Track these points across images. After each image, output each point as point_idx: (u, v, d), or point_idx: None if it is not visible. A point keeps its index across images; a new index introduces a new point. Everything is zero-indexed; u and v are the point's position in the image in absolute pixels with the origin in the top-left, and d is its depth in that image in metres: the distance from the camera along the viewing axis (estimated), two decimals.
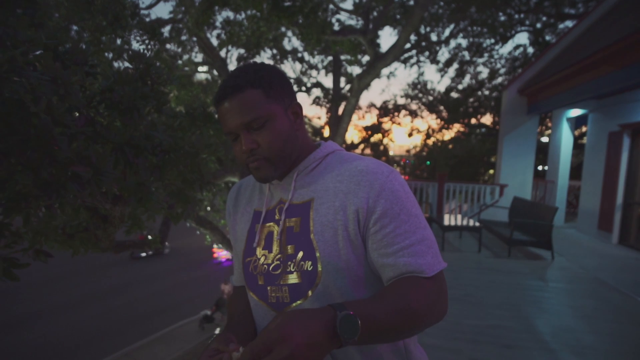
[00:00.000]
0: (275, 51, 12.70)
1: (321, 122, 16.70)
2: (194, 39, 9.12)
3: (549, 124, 9.59)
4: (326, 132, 15.46)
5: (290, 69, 15.17)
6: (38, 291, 11.90)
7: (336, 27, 10.73)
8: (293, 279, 0.68)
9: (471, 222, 5.78)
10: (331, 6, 10.21)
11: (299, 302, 0.68)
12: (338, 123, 9.82)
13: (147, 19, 7.64)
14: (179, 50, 10.36)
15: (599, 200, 6.53)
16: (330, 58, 13.42)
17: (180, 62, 9.85)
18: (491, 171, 16.30)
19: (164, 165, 2.42)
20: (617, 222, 6.11)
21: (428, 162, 17.78)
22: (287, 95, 0.71)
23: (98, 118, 2.30)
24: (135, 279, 13.71)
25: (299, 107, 0.73)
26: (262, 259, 0.73)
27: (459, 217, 6.28)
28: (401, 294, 0.59)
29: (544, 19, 13.08)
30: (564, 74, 5.72)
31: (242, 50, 11.72)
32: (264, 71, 0.69)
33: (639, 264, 4.91)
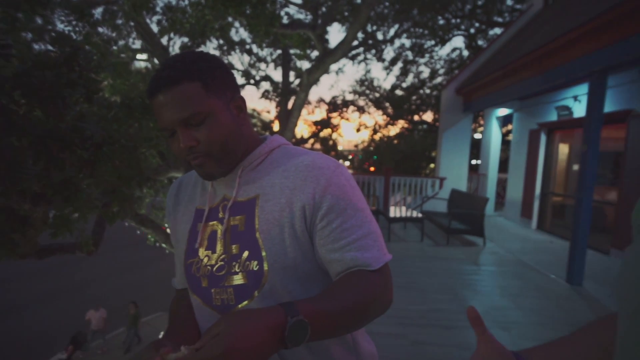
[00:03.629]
0: (221, 41, 12.26)
1: (271, 116, 16.50)
2: (132, 23, 8.48)
3: (482, 122, 10.44)
4: (276, 127, 15.31)
5: (238, 60, 14.78)
6: None
7: (285, 20, 10.62)
8: (238, 279, 0.65)
9: (414, 214, 6.12)
10: None
11: (244, 303, 0.65)
12: (288, 117, 9.78)
13: None
14: (114, 35, 9.56)
15: (522, 190, 7.28)
16: (279, 51, 13.27)
17: (115, 48, 9.10)
18: (432, 165, 17.35)
19: (97, 160, 2.23)
20: (535, 209, 6.86)
21: (375, 157, 18.43)
22: (229, 88, 0.67)
23: (12, 106, 2.05)
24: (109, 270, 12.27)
25: (243, 100, 0.69)
26: (205, 260, 0.69)
27: (404, 209, 6.62)
28: (349, 289, 0.59)
29: (477, 25, 14.16)
30: (493, 77, 6.26)
31: (185, 39, 11.14)
32: (203, 62, 0.64)
33: (552, 246, 5.57)
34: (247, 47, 13.33)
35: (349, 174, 0.69)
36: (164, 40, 9.88)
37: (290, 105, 11.28)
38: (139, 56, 10.61)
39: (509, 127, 8.68)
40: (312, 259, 0.67)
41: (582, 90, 5.39)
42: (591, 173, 3.77)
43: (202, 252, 0.70)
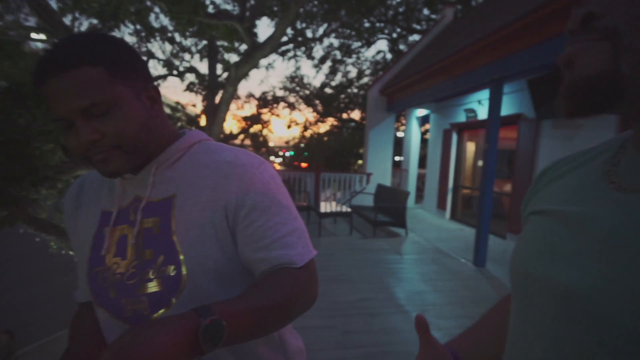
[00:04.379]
0: (139, 27, 11.27)
1: (197, 110, 15.67)
2: None
3: (403, 121, 11.24)
4: (203, 121, 14.60)
5: (159, 49, 13.71)
6: None
7: (211, 9, 10.15)
8: (153, 287, 0.60)
9: (344, 208, 6.37)
10: None
11: (161, 311, 0.60)
12: (215, 112, 9.40)
13: None
14: None
15: (437, 184, 8.03)
16: (205, 42, 12.64)
17: (0, 23, 7.80)
18: (360, 162, 18.18)
19: None
20: (449, 201, 7.63)
21: (306, 153, 18.67)
22: (139, 76, 0.60)
23: None
24: None
25: (156, 90, 0.63)
26: (114, 268, 0.63)
27: (334, 204, 6.85)
28: (271, 287, 0.58)
29: (399, 30, 15.16)
30: (411, 80, 6.78)
31: (95, 21, 9.99)
32: (107, 45, 0.56)
33: (463, 234, 6.26)
34: (169, 35, 12.46)
35: (273, 171, 0.68)
36: (68, 20, 8.75)
37: (217, 99, 10.84)
38: (34, 35, 9.21)
39: (427, 126, 9.47)
40: (234, 260, 0.64)
41: (485, 95, 6.12)
42: (491, 168, 4.32)
43: (109, 259, 0.64)
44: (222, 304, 0.51)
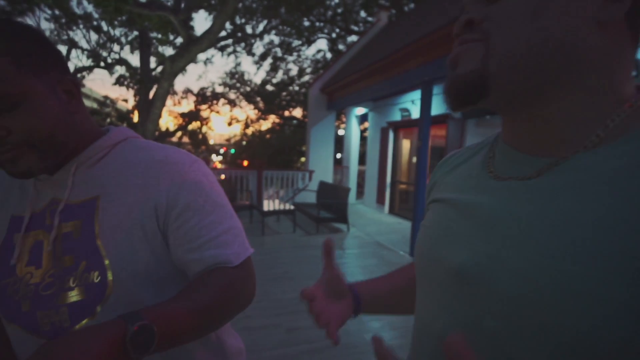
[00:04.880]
0: (58, 12, 10.12)
1: (128, 106, 14.52)
2: None
3: (344, 119, 11.55)
4: (135, 118, 13.59)
5: (83, 38, 12.46)
6: None
7: None
8: (74, 296, 0.56)
9: (287, 206, 6.39)
10: None
11: (84, 322, 0.56)
12: (149, 108, 8.82)
13: None
14: None
15: (377, 180, 8.41)
16: (136, 33, 11.74)
17: None
18: (302, 159, 18.30)
19: None
20: (387, 196, 8.03)
21: (233, 150, 18.32)
22: (53, 67, 0.56)
23: None
24: None
25: (75, 83, 0.59)
26: (27, 278, 0.57)
27: (277, 202, 6.83)
28: (206, 288, 0.57)
29: (337, 30, 15.51)
30: (350, 79, 6.99)
31: (2, 2, 8.76)
32: (13, 33, 0.52)
33: (401, 227, 6.64)
34: (95, 23, 11.38)
35: (206, 169, 0.66)
36: None
37: (152, 94, 10.16)
38: None
39: (366, 124, 9.83)
40: (166, 262, 0.61)
41: (418, 95, 6.53)
42: (424, 164, 4.64)
43: (21, 269, 0.58)
44: (152, 308, 0.50)
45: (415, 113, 6.81)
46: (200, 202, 0.61)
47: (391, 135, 7.86)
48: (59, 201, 0.60)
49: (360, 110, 9.21)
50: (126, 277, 0.57)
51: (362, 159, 10.39)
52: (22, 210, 0.61)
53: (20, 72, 0.51)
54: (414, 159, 7.40)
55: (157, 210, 0.59)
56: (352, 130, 9.47)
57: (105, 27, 11.60)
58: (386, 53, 5.53)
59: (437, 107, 5.96)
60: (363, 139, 11.08)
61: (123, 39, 12.36)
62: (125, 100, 14.72)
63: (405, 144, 7.82)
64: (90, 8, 10.64)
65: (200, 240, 0.60)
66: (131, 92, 13.37)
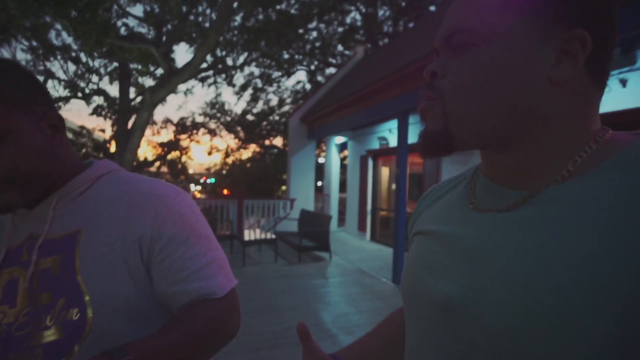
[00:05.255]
0: (35, 44, 10.06)
1: (105, 136, 14.29)
2: None
3: (324, 148, 11.75)
4: (113, 148, 13.35)
5: (61, 68, 12.36)
6: None
7: (123, 31, 9.59)
8: (50, 335, 0.54)
9: (268, 235, 6.31)
10: (116, 7, 9.07)
11: None
12: (127, 138, 8.71)
13: None
14: None
15: (357, 207, 8.48)
16: (116, 64, 11.76)
17: None
18: (283, 187, 18.27)
19: None
20: (368, 223, 8.08)
21: (213, 180, 18.17)
22: (38, 102, 0.57)
23: None
24: None
25: (59, 118, 0.60)
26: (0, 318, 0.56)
27: (258, 231, 6.75)
28: (191, 321, 0.57)
29: (316, 63, 16.08)
30: (329, 110, 7.21)
31: None
32: None
33: (382, 253, 6.65)
34: (73, 54, 11.35)
35: (191, 201, 0.66)
36: None
37: (130, 124, 10.08)
38: None
39: (346, 152, 10.02)
40: (150, 297, 0.61)
41: (395, 124, 6.78)
42: (403, 191, 4.75)
43: None
44: (137, 343, 0.50)
45: (393, 141, 7.03)
46: (184, 234, 0.61)
47: (370, 163, 8.03)
48: (37, 236, 0.58)
49: (339, 139, 9.41)
50: (107, 313, 0.56)
51: (342, 187, 10.50)
52: None
53: (4, 108, 0.52)
54: (393, 186, 7.55)
55: (141, 243, 0.59)
56: (332, 159, 9.62)
57: (84, 59, 11.59)
58: (363, 85, 5.77)
59: (414, 135, 6.19)
60: (343, 166, 11.24)
61: (102, 70, 12.35)
62: (103, 131, 14.50)
63: (385, 172, 7.99)
64: (69, 39, 10.66)
65: (184, 272, 0.59)
66: (109, 122, 13.17)
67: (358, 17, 14.91)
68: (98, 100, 12.45)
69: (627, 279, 0.30)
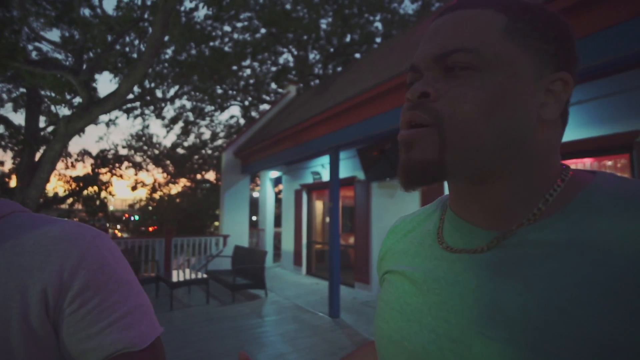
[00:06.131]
0: None
1: (4, 169, 12.47)
2: None
3: (258, 182, 11.67)
4: (13, 183, 11.66)
5: None
6: None
7: (35, 56, 8.77)
8: None
9: (199, 275, 5.95)
10: (27, 30, 8.33)
11: None
12: (33, 172, 7.73)
13: None
14: None
15: (293, 241, 8.46)
16: (23, 90, 10.58)
17: None
18: (216, 223, 17.50)
19: None
20: (304, 257, 8.08)
21: (136, 217, 16.85)
22: None
23: None
24: None
25: None
26: None
27: (187, 271, 6.31)
28: None
29: (250, 99, 16.30)
30: (263, 145, 7.30)
31: None
32: None
33: (319, 287, 6.65)
34: None
35: (111, 244, 0.60)
36: None
37: (38, 157, 8.99)
38: None
39: (281, 186, 10.08)
40: (55, 357, 0.53)
41: (327, 159, 7.08)
42: (336, 224, 4.90)
43: None
44: None
45: (326, 176, 7.29)
46: (102, 280, 0.54)
47: (305, 197, 8.17)
48: None
49: (274, 174, 9.46)
50: None
51: (278, 221, 10.44)
52: None
53: None
54: (327, 219, 7.74)
55: (47, 294, 0.51)
56: (267, 193, 9.58)
57: None
58: (296, 122, 6.00)
59: (345, 170, 6.52)
60: (278, 200, 11.24)
61: (5, 96, 11.00)
62: (1, 163, 12.67)
63: (319, 205, 8.18)
64: None
65: (100, 324, 0.53)
66: (9, 153, 11.58)
67: (290, 58, 15.68)
68: None
69: (607, 331, 0.29)
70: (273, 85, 15.95)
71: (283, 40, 13.69)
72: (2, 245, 0.53)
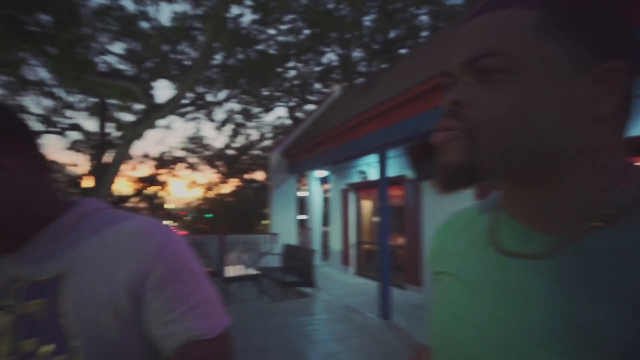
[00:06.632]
0: (11, 78, 9.91)
1: (79, 171, 13.88)
2: None
3: (305, 182, 11.82)
4: (86, 183, 12.92)
5: (33, 103, 12.13)
6: None
7: (103, 68, 9.62)
8: None
9: (251, 271, 6.16)
10: (96, 45, 9.16)
11: None
12: (104, 173, 8.50)
13: None
14: None
15: (341, 241, 8.46)
16: (95, 99, 11.67)
17: None
18: (264, 222, 18.04)
19: None
20: (352, 257, 8.05)
21: (210, 215, 17.79)
22: (22, 141, 0.57)
23: None
24: None
25: (42, 158, 0.59)
26: None
27: (240, 267, 6.58)
28: None
29: (295, 99, 16.55)
30: (309, 145, 7.36)
31: None
32: None
33: (367, 287, 6.59)
34: (48, 89, 11.20)
35: (181, 238, 0.65)
36: None
37: (107, 159, 9.86)
38: None
39: (327, 186, 10.12)
40: (139, 339, 0.58)
41: (374, 158, 6.97)
42: (385, 224, 4.82)
43: None
44: None
45: (373, 175, 7.19)
46: (175, 272, 0.59)
47: (352, 196, 8.13)
48: (21, 279, 0.57)
49: (321, 173, 9.53)
50: (94, 359, 0.54)
51: (325, 220, 10.50)
52: None
53: None
54: (375, 219, 7.63)
55: (131, 283, 0.56)
56: (314, 192, 9.67)
57: (60, 94, 11.45)
58: (341, 121, 5.98)
59: (394, 169, 6.38)
60: (325, 200, 11.33)
61: (80, 105, 12.21)
62: (75, 165, 14.09)
63: (366, 204, 8.10)
64: (44, 74, 10.55)
65: (176, 312, 0.57)
66: (82, 157, 12.85)
67: (334, 57, 15.66)
68: (74, 135, 12.22)
69: None
70: (317, 85, 16.08)
71: (326, 40, 13.72)
72: (92, 238, 0.59)
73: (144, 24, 9.47)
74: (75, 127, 12.07)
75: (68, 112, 11.93)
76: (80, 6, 7.41)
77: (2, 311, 0.55)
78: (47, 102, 11.32)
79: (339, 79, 12.95)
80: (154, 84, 11.31)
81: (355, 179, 7.88)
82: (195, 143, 16.87)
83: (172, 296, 0.57)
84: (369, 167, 7.31)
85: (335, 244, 8.74)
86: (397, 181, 6.38)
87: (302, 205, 11.43)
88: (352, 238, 8.07)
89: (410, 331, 4.21)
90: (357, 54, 15.23)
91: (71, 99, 11.88)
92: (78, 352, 0.53)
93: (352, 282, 7.20)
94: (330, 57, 15.60)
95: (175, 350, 0.57)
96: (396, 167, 6.48)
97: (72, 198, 0.67)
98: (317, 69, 15.36)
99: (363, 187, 7.89)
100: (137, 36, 9.30)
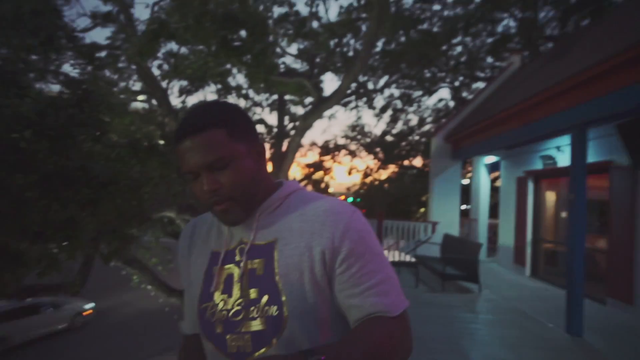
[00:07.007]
0: (219, 86, 12.75)
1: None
2: (133, 67, 8.81)
3: (470, 168, 10.75)
4: (269, 168, 15.53)
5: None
6: None
7: (282, 69, 11.18)
8: (257, 325, 0.64)
9: (408, 258, 6.08)
10: (278, 49, 10.68)
11: (262, 350, 0.64)
12: (282, 160, 9.95)
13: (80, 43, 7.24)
14: (116, 77, 9.87)
15: (513, 236, 7.34)
16: (274, 97, 13.76)
17: (115, 89, 9.37)
18: (422, 209, 17.49)
19: (99, 199, 2.22)
20: (528, 256, 6.88)
21: (351, 199, 18.59)
22: (250, 135, 0.70)
23: (22, 144, 2.07)
24: None
25: (262, 147, 0.72)
26: (221, 305, 0.68)
27: (397, 253, 6.58)
28: (369, 336, 0.60)
29: (461, 78, 15.08)
30: (478, 127, 6.56)
31: (184, 82, 11.54)
32: (228, 111, 0.68)
33: (547, 294, 5.53)
34: (243, 92, 13.86)
35: (365, 220, 0.71)
36: (164, 83, 10.22)
37: (284, 148, 11.51)
38: (138, 97, 10.85)
39: (497, 173, 8.93)
40: (331, 304, 0.66)
41: (564, 141, 5.67)
42: (581, 221, 3.87)
43: (217, 296, 0.69)
44: (323, 349, 0.54)
45: (562, 161, 5.88)
46: (361, 250, 0.65)
47: (531, 185, 6.91)
48: (246, 242, 0.70)
49: (490, 159, 8.47)
50: (298, 314, 0.63)
51: (493, 212, 9.36)
52: (219, 247, 0.73)
53: (231, 140, 0.65)
54: (563, 214, 6.26)
55: (325, 254, 0.65)
56: (481, 180, 8.71)
57: (251, 94, 13.97)
58: (525, 96, 5.06)
59: (593, 153, 5.05)
60: (494, 189, 10.06)
61: (264, 103, 14.64)
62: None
63: (550, 197, 6.75)
64: (241, 80, 13.03)
65: (361, 287, 0.64)
66: (266, 146, 15.48)
67: (512, 23, 13.42)
68: (259, 128, 14.81)
69: None
70: (489, 60, 14.20)
71: (503, 4, 11.81)
72: (294, 213, 0.70)
73: (315, 23, 10.44)
74: (261, 121, 14.54)
75: (257, 110, 14.46)
76: (267, 18, 8.74)
77: (235, 265, 0.70)
78: (243, 103, 14.01)
79: (517, 49, 11.04)
80: (322, 77, 12.42)
81: (536, 165, 6.63)
82: (356, 131, 17.71)
83: (358, 271, 0.64)
84: (558, 152, 6.01)
85: (506, 239, 7.65)
86: (600, 168, 5.03)
87: (466, 194, 10.51)
88: (529, 235, 6.88)
89: (609, 355, 3.30)
90: (544, 14, 12.56)
91: (259, 98, 14.36)
92: (287, 306, 0.63)
93: (527, 284, 6.18)
94: (508, 23, 13.45)
95: (358, 321, 0.64)
96: (598, 151, 5.11)
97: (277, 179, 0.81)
98: (489, 40, 13.50)
99: (546, 176, 6.59)
100: (309, 36, 10.33)
